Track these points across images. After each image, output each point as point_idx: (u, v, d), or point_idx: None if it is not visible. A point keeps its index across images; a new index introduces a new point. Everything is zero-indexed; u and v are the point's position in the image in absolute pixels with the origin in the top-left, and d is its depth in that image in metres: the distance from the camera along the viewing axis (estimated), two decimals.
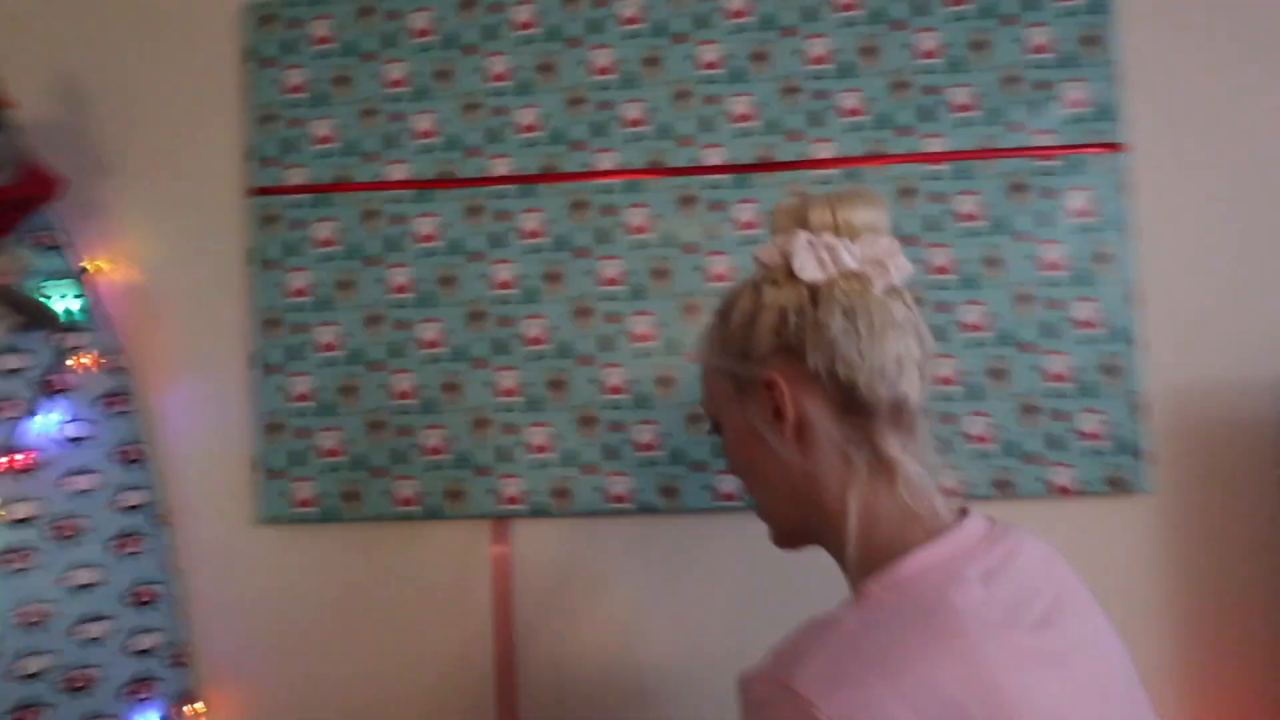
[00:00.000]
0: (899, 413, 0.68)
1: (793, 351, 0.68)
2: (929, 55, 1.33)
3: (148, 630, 1.32)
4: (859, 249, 0.68)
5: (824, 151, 1.33)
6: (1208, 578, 1.30)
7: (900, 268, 0.69)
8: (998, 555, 0.64)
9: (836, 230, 0.69)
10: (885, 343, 0.66)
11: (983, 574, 0.61)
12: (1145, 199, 1.31)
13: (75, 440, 1.29)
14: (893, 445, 0.67)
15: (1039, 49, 1.31)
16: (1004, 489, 1.28)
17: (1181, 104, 1.32)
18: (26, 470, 1.24)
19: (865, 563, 0.65)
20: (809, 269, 0.68)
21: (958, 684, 0.54)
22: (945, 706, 0.53)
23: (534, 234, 1.36)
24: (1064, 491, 1.28)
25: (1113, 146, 1.30)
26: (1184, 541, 1.30)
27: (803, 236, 0.68)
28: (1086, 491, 1.28)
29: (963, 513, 0.69)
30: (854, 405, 0.67)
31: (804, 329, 0.67)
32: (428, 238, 1.37)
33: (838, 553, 0.69)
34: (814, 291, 0.68)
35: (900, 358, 0.67)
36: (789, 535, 0.76)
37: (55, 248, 1.33)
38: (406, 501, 1.35)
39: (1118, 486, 1.28)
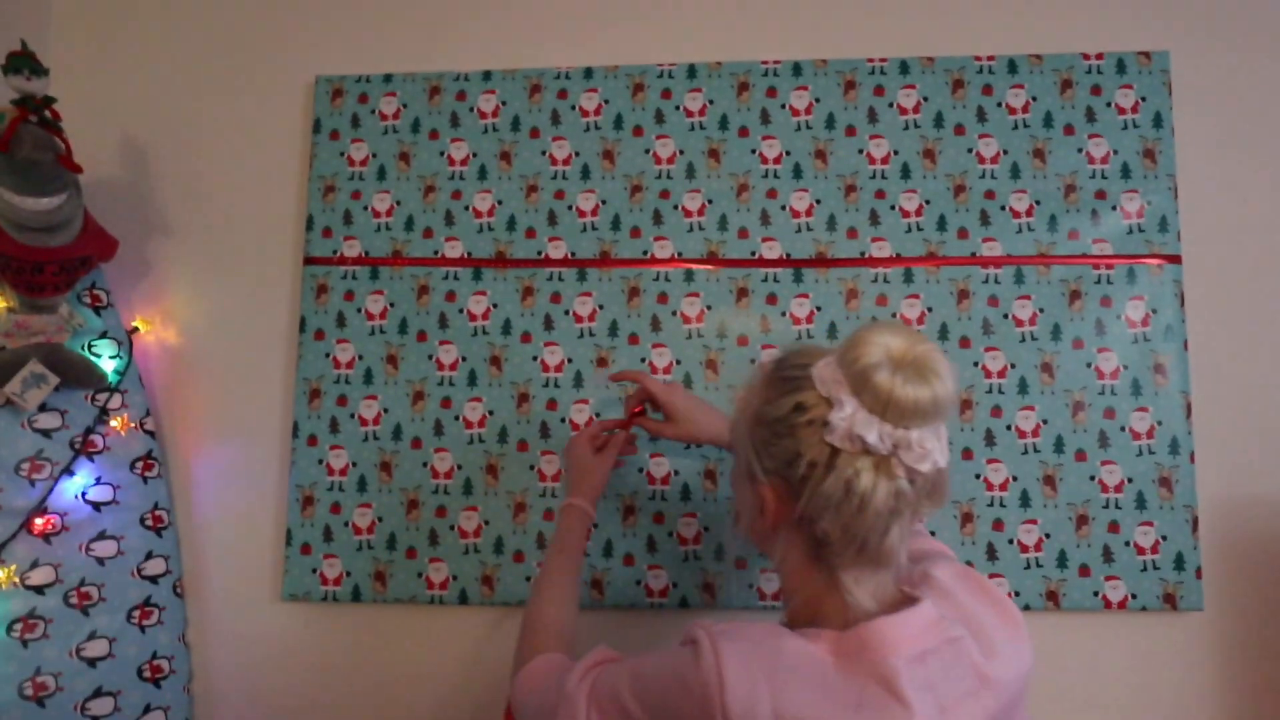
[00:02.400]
0: (868, 558, 0.71)
1: (791, 488, 0.72)
2: (990, 160, 1.34)
3: (156, 708, 1.26)
4: (890, 437, 0.67)
5: (881, 251, 1.33)
6: (1261, 698, 1.25)
7: (925, 459, 0.68)
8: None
9: (885, 407, 0.67)
10: (868, 519, 0.69)
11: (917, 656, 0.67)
12: (1198, 311, 1.30)
13: (103, 504, 1.25)
14: (849, 577, 0.72)
15: (1097, 160, 1.32)
16: (1054, 600, 1.24)
17: (1236, 217, 1.33)
18: (51, 534, 1.20)
19: (799, 619, 0.74)
20: (837, 436, 0.69)
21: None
22: None
23: (586, 318, 1.35)
24: (1115, 606, 1.24)
25: (1170, 258, 1.29)
26: (1236, 661, 1.26)
27: (849, 406, 0.68)
28: (1139, 607, 1.24)
29: (911, 600, 0.72)
30: (823, 550, 0.72)
31: (808, 481, 0.70)
32: (478, 316, 1.36)
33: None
34: (834, 454, 0.69)
35: (883, 529, 0.69)
36: (751, 543, 0.87)
37: (106, 307, 1.32)
38: (438, 585, 1.31)
39: (1171, 603, 1.24)
